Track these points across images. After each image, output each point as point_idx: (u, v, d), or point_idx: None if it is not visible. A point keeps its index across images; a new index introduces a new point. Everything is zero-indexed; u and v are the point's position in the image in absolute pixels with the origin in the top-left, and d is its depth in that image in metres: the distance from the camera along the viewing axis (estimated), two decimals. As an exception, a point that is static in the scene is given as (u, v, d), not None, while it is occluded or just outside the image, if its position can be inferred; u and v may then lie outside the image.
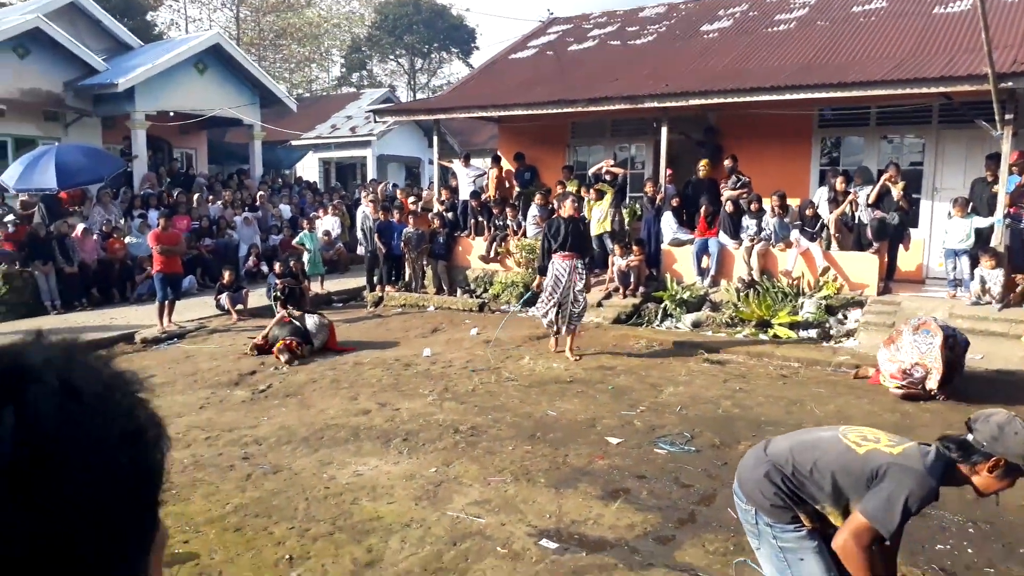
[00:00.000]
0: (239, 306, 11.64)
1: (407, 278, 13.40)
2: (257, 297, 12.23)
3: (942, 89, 9.47)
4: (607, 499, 4.87)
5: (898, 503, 2.46)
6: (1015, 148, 9.42)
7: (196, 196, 15.84)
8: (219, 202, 16.07)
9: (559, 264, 8.54)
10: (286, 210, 17.41)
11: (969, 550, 4.18)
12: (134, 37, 19.62)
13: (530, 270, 12.45)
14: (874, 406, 6.87)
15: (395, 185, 20.10)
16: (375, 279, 13.49)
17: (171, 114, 17.26)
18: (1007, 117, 9.00)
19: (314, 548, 4.24)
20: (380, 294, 13.00)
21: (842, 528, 2.59)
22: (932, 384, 6.86)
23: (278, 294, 11.85)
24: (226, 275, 11.73)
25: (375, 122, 22.93)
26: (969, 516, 4.60)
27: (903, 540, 4.25)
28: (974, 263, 9.32)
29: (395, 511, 4.69)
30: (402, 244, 13.10)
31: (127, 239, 13.56)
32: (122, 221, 14.26)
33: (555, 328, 8.84)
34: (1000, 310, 8.71)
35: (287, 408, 7.02)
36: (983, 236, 9.54)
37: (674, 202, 11.72)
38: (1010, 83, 8.76)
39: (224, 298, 11.58)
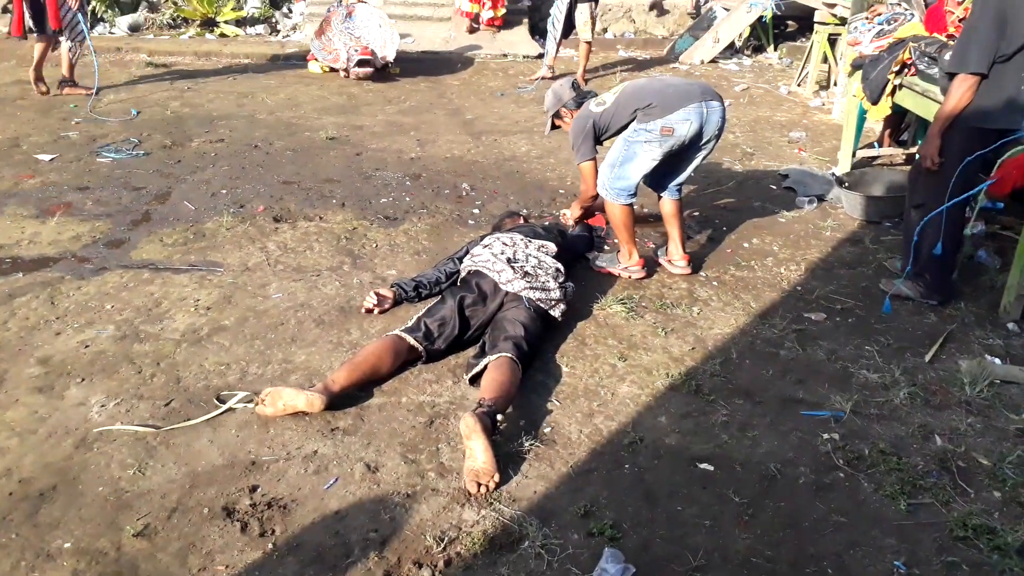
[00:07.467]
0: None
1: None
2: None
3: None
4: (43, 216, 4.32)
5: None
6: None
7: None
8: None
9: None
10: None
11: (407, 198, 4.77)
12: None
13: None
14: (323, 91, 7.11)
15: None
16: None
17: None
18: None
19: None
20: None
21: None
22: (391, 55, 7.45)
23: None
24: None
25: None
26: (406, 172, 5.20)
27: (356, 200, 4.69)
28: None
29: None
30: None
31: None
32: None
33: None
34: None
35: None
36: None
37: None
38: None
39: None
